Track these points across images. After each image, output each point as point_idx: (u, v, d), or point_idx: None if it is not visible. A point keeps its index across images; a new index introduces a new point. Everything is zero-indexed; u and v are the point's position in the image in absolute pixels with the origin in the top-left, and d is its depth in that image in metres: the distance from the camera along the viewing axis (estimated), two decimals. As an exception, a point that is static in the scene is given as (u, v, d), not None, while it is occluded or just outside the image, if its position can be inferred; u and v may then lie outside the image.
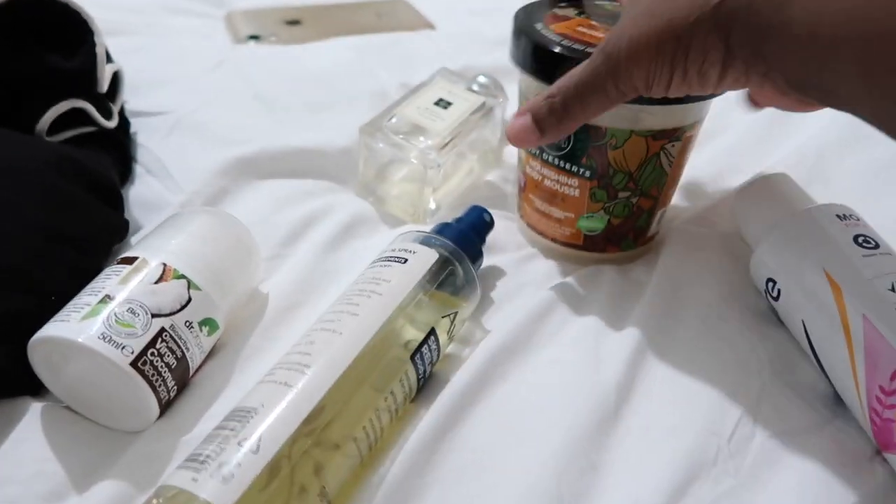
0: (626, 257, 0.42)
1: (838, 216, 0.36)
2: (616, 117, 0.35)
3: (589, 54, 0.32)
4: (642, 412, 0.33)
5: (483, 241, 0.41)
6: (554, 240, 0.42)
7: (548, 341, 0.37)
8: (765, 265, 0.38)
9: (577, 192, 0.39)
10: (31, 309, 0.32)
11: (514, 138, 0.34)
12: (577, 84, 0.31)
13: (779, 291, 0.37)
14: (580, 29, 0.38)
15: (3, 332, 0.31)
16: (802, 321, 0.36)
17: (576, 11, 0.40)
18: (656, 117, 0.36)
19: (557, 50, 0.35)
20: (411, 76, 0.56)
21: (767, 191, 0.41)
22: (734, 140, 0.54)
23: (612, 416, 0.33)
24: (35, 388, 0.33)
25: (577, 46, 0.35)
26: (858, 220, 0.37)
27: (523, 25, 0.38)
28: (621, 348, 0.36)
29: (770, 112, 0.55)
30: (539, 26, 0.38)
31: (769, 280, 0.38)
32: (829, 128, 0.53)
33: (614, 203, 0.39)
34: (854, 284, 0.33)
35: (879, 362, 0.31)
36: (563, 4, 0.41)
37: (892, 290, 0.32)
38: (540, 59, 0.36)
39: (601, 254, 0.42)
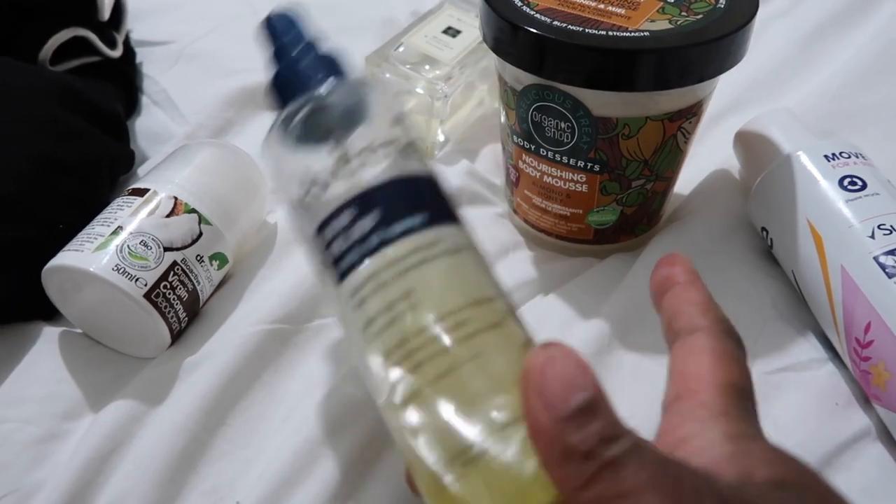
0: (640, 242, 0.39)
1: (826, 157, 0.34)
2: (629, 106, 0.31)
3: (592, 37, 0.29)
4: (636, 345, 0.33)
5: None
6: (559, 237, 0.38)
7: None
8: (757, 214, 0.37)
9: (584, 188, 0.35)
10: (31, 237, 0.33)
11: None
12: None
13: (771, 241, 0.36)
14: None
15: (2, 260, 0.32)
16: (792, 271, 0.35)
17: None
18: (673, 98, 0.32)
19: (555, 37, 0.30)
20: (421, 2, 0.55)
21: (763, 132, 0.39)
22: (757, 69, 0.51)
23: (605, 348, 0.33)
24: (47, 314, 0.34)
25: (574, 28, 0.30)
26: (849, 156, 0.34)
27: (500, 3, 0.32)
28: (619, 283, 0.36)
29: (797, 39, 0.53)
30: (518, 3, 0.32)
31: (763, 228, 0.37)
32: (852, 60, 0.51)
33: (627, 193, 0.35)
34: (834, 233, 0.32)
35: (855, 314, 0.30)
36: None
37: (872, 236, 0.31)
38: (534, 51, 0.31)
39: (613, 244, 0.38)
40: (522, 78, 0.33)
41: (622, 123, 0.32)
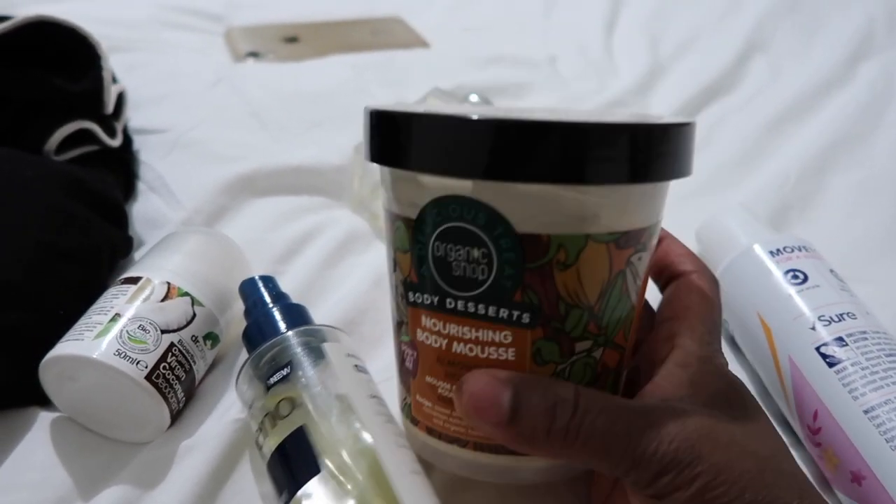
0: None
1: (771, 252, 0.37)
2: (563, 217, 0.23)
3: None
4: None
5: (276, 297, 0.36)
6: (480, 446, 0.26)
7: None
8: None
9: (511, 354, 0.24)
10: (32, 323, 0.34)
11: (474, 408, 0.23)
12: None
13: (731, 335, 0.39)
14: None
15: (2, 346, 0.33)
16: (752, 363, 0.37)
17: None
18: (617, 209, 0.24)
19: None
20: (405, 94, 0.58)
21: (717, 229, 0.41)
22: (720, 156, 0.56)
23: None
24: (43, 400, 0.34)
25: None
26: (793, 250, 0.37)
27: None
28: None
29: (756, 127, 0.57)
30: None
31: (724, 320, 0.40)
32: (809, 148, 0.55)
33: (571, 363, 0.25)
34: (781, 326, 0.35)
35: (805, 403, 0.33)
36: None
37: (814, 328, 0.33)
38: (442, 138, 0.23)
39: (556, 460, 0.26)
40: (421, 194, 0.24)
41: (556, 244, 0.23)
